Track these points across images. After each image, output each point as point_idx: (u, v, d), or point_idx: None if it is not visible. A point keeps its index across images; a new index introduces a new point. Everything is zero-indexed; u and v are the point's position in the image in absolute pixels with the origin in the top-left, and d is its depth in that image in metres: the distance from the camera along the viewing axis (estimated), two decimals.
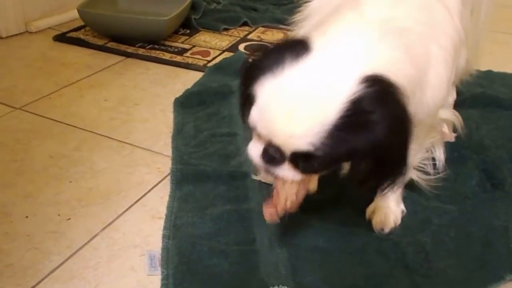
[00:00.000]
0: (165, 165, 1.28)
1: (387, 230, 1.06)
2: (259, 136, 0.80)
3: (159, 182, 1.24)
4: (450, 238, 1.05)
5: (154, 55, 1.93)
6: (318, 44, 0.78)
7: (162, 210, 1.13)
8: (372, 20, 0.83)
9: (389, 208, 1.09)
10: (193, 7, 2.22)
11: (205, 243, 1.02)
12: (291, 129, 0.74)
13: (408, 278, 0.96)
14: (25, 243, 1.04)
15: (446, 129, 1.40)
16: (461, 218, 1.10)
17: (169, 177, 1.23)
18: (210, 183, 1.19)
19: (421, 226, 1.08)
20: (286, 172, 0.81)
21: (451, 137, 1.38)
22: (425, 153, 1.10)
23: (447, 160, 1.28)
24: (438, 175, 1.14)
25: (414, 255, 1.01)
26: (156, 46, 1.99)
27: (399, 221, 1.08)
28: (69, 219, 1.11)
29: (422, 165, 1.11)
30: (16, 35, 2.10)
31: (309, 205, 1.14)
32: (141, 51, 1.96)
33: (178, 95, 1.59)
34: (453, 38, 0.95)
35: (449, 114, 1.10)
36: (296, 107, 0.73)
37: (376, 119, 0.73)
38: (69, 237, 1.06)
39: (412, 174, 1.10)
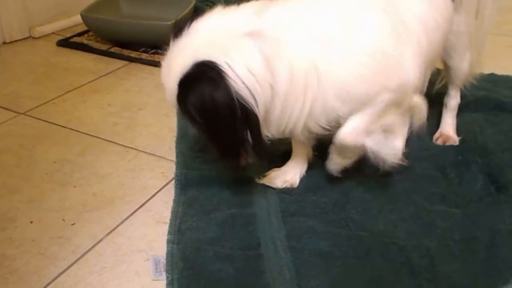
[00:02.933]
0: (170, 169, 1.29)
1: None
2: None
3: (164, 186, 1.24)
4: (455, 242, 1.05)
5: (157, 59, 1.93)
6: (191, 27, 0.98)
7: (167, 214, 1.13)
8: (264, 18, 0.97)
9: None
10: (195, 11, 2.23)
11: (209, 248, 1.02)
12: (166, 93, 1.02)
13: (413, 282, 0.96)
14: (30, 249, 1.04)
15: (450, 132, 1.40)
16: (465, 222, 1.10)
17: (173, 181, 1.24)
18: (215, 188, 1.19)
19: (426, 230, 1.08)
20: None
21: (455, 140, 1.38)
22: (382, 128, 1.06)
23: (452, 163, 1.28)
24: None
25: (419, 259, 1.00)
26: (160, 51, 1.98)
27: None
28: (73, 224, 1.12)
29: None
30: (20, 40, 2.11)
31: (313, 209, 1.14)
32: (144, 56, 1.96)
33: None
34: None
35: (419, 101, 1.09)
36: (164, 79, 1.01)
37: (188, 95, 0.94)
38: (74, 242, 1.06)
39: (367, 141, 1.05)
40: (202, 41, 0.96)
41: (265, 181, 1.22)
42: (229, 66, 0.91)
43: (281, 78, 0.95)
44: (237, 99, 0.91)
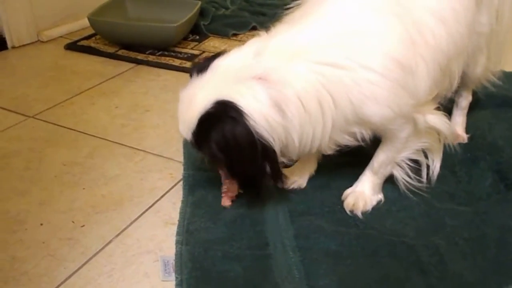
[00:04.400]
0: (177, 170, 1.29)
1: (356, 212, 1.12)
2: None
3: (172, 187, 1.24)
4: (465, 240, 1.04)
5: (164, 61, 1.94)
6: (211, 65, 1.01)
7: (175, 215, 1.13)
8: (265, 60, 0.97)
9: (363, 194, 1.15)
10: (201, 13, 2.24)
11: (218, 248, 1.02)
12: (181, 128, 1.04)
13: (423, 281, 0.95)
14: (40, 250, 1.05)
15: (459, 130, 1.39)
16: (475, 220, 1.09)
17: (181, 182, 1.24)
18: None
19: (435, 228, 1.08)
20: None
21: (464, 138, 1.38)
22: (412, 154, 1.12)
23: (460, 161, 1.27)
24: (422, 181, 1.15)
25: (428, 257, 1.00)
26: (166, 53, 2.00)
27: (369, 207, 1.14)
28: (83, 226, 1.12)
29: (406, 165, 1.14)
30: (28, 44, 2.13)
31: (321, 209, 1.14)
32: (151, 58, 1.97)
33: None
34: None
35: (438, 121, 1.09)
36: (182, 114, 1.03)
37: (211, 132, 0.97)
38: (83, 243, 1.07)
39: (395, 170, 1.14)
40: (219, 81, 0.99)
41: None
42: (245, 106, 0.94)
43: (293, 115, 0.96)
44: (256, 135, 0.94)
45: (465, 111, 1.42)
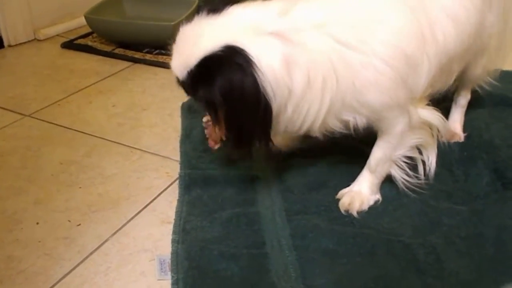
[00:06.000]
0: (174, 169, 1.29)
1: (352, 212, 1.11)
2: None
3: (168, 186, 1.24)
4: (462, 239, 1.04)
5: (161, 60, 1.93)
6: (226, 10, 0.97)
7: (171, 214, 1.13)
8: (287, 20, 0.95)
9: (360, 193, 1.14)
10: (199, 11, 2.23)
11: (214, 247, 1.02)
12: (174, 64, 0.99)
13: (419, 280, 0.95)
14: (36, 249, 1.05)
15: (457, 129, 1.39)
16: (472, 219, 1.09)
17: (177, 181, 1.24)
18: (218, 187, 1.19)
19: (432, 227, 1.08)
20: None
21: (460, 136, 1.38)
22: (408, 151, 1.12)
23: (457, 160, 1.27)
24: (420, 179, 1.15)
25: (425, 256, 1.00)
26: (163, 51, 2.00)
27: (365, 207, 1.13)
28: (79, 224, 1.12)
29: (403, 163, 1.13)
30: (25, 43, 2.12)
31: (317, 208, 1.14)
32: (148, 57, 1.97)
33: (185, 99, 1.59)
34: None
35: (430, 116, 1.10)
36: (180, 50, 0.98)
37: (216, 78, 0.92)
38: (79, 242, 1.07)
39: (392, 169, 1.14)
40: (233, 27, 0.95)
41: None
42: (257, 57, 0.91)
43: (297, 81, 0.94)
44: (262, 89, 0.91)
45: (464, 109, 1.41)
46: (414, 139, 1.11)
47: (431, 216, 1.11)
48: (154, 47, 2.02)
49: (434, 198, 1.15)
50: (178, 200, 1.17)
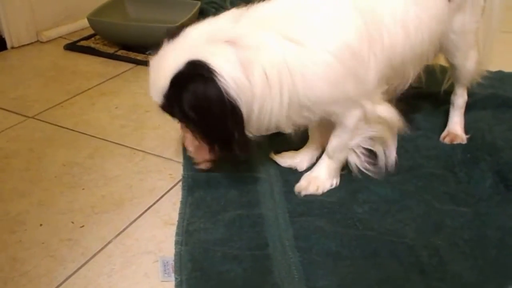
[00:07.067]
0: (177, 171, 1.29)
1: (303, 193, 1.18)
2: None
3: (171, 188, 1.24)
4: (465, 241, 1.04)
5: None
6: (183, 32, 1.04)
7: (175, 216, 1.13)
8: (239, 26, 1.02)
9: (317, 178, 1.20)
10: (201, 13, 2.24)
11: (218, 249, 1.02)
12: (151, 92, 1.08)
13: (423, 282, 0.95)
14: (39, 251, 1.05)
15: (458, 130, 1.39)
16: (475, 221, 1.09)
17: (181, 183, 1.24)
18: (222, 189, 1.20)
19: (435, 229, 1.08)
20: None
21: (463, 138, 1.38)
22: (364, 141, 1.16)
23: (460, 162, 1.27)
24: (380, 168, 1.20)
25: (428, 258, 1.00)
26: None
27: (320, 191, 1.19)
28: (82, 226, 1.12)
29: (361, 153, 1.18)
30: (28, 44, 2.13)
31: (320, 209, 1.14)
32: (151, 59, 1.96)
33: None
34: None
35: (386, 111, 1.13)
36: (153, 78, 1.06)
37: (182, 92, 0.99)
38: (83, 244, 1.07)
39: (350, 156, 1.18)
40: (191, 44, 1.02)
41: (275, 157, 1.29)
42: (217, 66, 0.97)
43: (256, 82, 0.99)
44: (226, 95, 0.97)
45: (462, 110, 1.41)
46: (369, 131, 1.15)
47: (434, 218, 1.11)
48: (157, 49, 2.02)
49: (437, 200, 1.15)
50: (181, 202, 1.17)
